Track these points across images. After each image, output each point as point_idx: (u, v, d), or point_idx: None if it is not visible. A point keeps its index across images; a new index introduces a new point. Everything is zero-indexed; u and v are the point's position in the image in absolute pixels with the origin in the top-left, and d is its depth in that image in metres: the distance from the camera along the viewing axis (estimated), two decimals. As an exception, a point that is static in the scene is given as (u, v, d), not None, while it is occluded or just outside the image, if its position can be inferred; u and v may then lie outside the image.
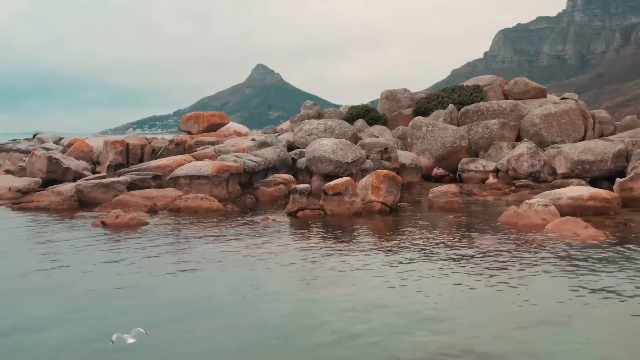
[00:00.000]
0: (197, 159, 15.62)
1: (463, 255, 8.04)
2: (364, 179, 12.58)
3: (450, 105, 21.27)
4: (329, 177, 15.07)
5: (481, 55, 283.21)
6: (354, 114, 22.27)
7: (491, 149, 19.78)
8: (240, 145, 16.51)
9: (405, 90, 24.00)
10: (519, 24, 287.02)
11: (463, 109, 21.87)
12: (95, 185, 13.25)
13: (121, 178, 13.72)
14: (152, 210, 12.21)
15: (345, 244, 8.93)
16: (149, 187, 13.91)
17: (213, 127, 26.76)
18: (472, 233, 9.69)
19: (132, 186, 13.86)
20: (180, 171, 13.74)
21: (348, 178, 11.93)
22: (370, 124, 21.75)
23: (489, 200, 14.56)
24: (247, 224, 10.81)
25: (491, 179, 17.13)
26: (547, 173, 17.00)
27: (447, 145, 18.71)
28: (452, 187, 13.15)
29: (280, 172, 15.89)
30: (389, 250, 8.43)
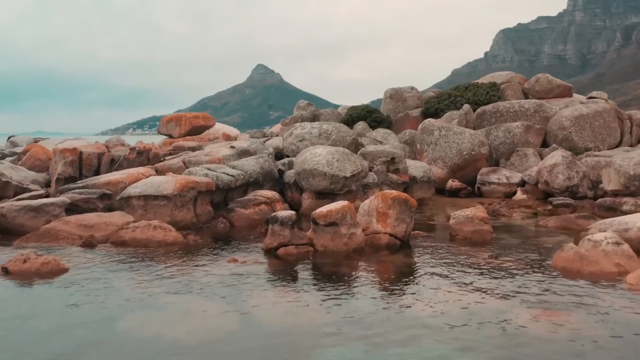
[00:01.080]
0: (161, 172, 12.59)
1: (522, 337, 5.01)
2: (367, 202, 9.54)
3: (465, 105, 18.23)
4: (322, 194, 12.08)
5: (482, 55, 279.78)
6: (354, 116, 19.25)
7: (514, 157, 16.77)
8: (216, 154, 13.47)
9: (412, 88, 20.97)
10: (519, 24, 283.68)
11: (479, 110, 18.84)
12: (23, 208, 10.22)
13: (57, 199, 10.68)
14: (89, 244, 9.18)
15: (340, 311, 5.91)
16: (95, 210, 10.89)
17: (196, 130, 23.77)
18: (522, 290, 6.65)
19: (74, 208, 10.84)
20: (133, 189, 10.70)
21: (345, 203, 8.87)
22: (373, 127, 18.72)
23: (522, 224, 11.52)
24: (207, 268, 7.78)
25: (520, 195, 14.09)
26: (587, 187, 14.00)
27: (464, 153, 15.67)
28: (479, 211, 10.10)
29: (263, 187, 12.87)
30: (408, 324, 5.41)
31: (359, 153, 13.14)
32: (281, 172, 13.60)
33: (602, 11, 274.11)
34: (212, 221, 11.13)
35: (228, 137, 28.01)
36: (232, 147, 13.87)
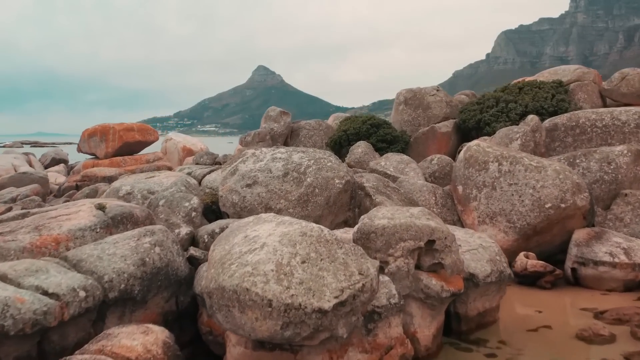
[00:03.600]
0: None
1: None
2: None
3: (531, 117, 11.09)
4: (269, 345, 4.96)
5: (483, 57, 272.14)
6: (351, 132, 12.08)
7: (620, 205, 9.67)
8: (58, 227, 6.26)
9: (437, 89, 13.78)
10: (521, 25, 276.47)
11: (548, 123, 11.73)
12: None
13: None
14: None
15: None
16: None
17: (130, 148, 16.68)
18: None
19: None
20: None
21: None
22: (381, 151, 11.62)
23: None
24: None
25: (681, 305, 6.91)
26: None
27: (547, 206, 8.54)
28: None
29: (147, 304, 5.77)
30: None
31: (357, 229, 5.95)
32: (195, 261, 6.49)
33: (604, 13, 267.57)
34: None
35: (190, 153, 20.98)
36: (100, 207, 6.67)
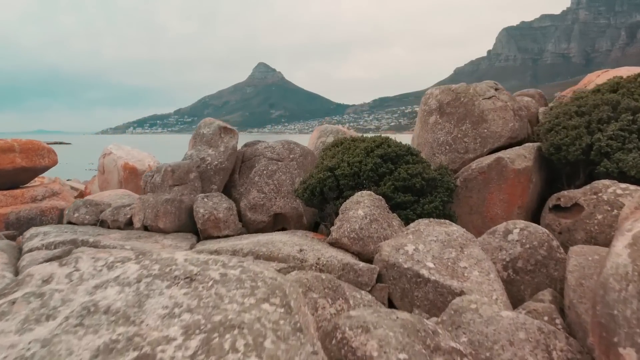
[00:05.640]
0: None
1: None
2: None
3: None
4: None
5: (485, 54, 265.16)
6: (344, 174, 6.11)
7: None
8: None
9: (496, 87, 7.81)
10: (522, 22, 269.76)
11: None
12: None
13: None
14: None
15: None
16: None
17: (10, 177, 10.77)
18: None
19: None
20: None
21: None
22: (401, 208, 5.73)
23: None
24: None
25: None
26: None
27: None
28: None
29: None
30: None
31: None
32: None
33: (606, 9, 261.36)
34: None
35: (134, 173, 15.06)
36: None
